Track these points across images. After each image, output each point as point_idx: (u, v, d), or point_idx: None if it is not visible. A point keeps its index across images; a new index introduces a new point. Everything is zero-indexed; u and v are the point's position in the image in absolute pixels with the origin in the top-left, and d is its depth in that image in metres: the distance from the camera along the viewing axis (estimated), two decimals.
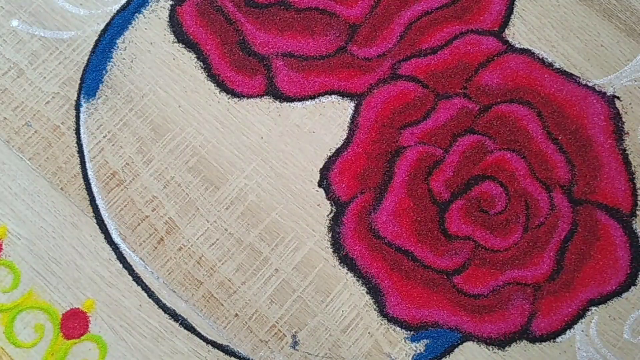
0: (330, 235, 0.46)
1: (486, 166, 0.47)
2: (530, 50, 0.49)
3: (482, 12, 0.50)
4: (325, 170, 0.47)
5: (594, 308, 0.45)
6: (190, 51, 0.49)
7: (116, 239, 0.46)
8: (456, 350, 0.45)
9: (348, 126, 0.48)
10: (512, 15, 0.50)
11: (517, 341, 0.45)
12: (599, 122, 0.48)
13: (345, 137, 0.48)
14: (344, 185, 0.47)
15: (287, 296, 0.45)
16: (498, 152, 0.47)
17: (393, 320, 0.45)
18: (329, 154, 0.47)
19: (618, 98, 0.48)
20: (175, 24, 0.49)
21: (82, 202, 0.46)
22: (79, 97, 0.48)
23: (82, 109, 0.47)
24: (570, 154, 0.47)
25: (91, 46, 0.49)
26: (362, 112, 0.48)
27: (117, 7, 0.49)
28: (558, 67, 0.49)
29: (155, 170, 0.47)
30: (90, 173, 0.47)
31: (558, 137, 0.47)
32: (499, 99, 0.48)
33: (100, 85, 0.48)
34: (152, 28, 0.49)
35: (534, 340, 0.45)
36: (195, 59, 0.49)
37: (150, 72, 0.48)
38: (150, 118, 0.48)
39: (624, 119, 0.48)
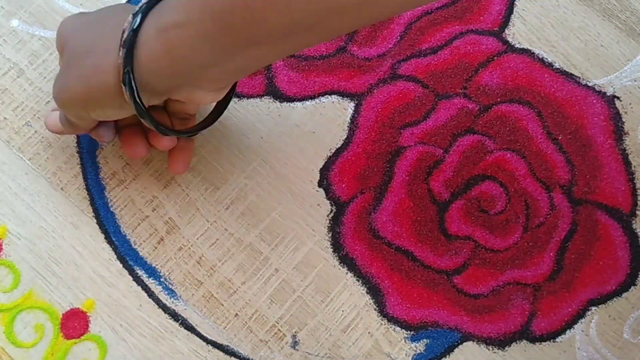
0: (330, 235, 0.46)
1: (486, 166, 0.47)
2: (530, 50, 0.49)
3: (482, 12, 0.50)
4: (325, 170, 0.47)
5: (594, 308, 0.45)
6: None
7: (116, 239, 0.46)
8: (456, 350, 0.45)
9: (348, 126, 0.48)
10: (512, 15, 0.50)
11: (517, 341, 0.45)
12: (599, 122, 0.48)
13: (345, 137, 0.48)
14: (344, 185, 0.47)
15: (287, 296, 0.45)
16: (498, 152, 0.47)
17: (393, 320, 0.45)
18: (329, 154, 0.47)
19: (618, 98, 0.48)
20: None
21: (82, 202, 0.46)
22: None
23: None
24: (570, 154, 0.47)
25: None
26: (362, 112, 0.48)
27: None
28: (558, 67, 0.49)
29: (156, 170, 0.47)
30: (90, 173, 0.47)
31: (558, 137, 0.47)
32: (499, 99, 0.48)
33: None
34: None
35: (534, 340, 0.45)
36: None
37: None
38: None
39: (623, 119, 0.48)
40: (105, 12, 0.40)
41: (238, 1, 0.33)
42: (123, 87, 0.36)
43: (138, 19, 0.35)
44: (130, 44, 0.35)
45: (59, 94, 0.39)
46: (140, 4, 0.36)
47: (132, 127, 0.43)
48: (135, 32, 0.35)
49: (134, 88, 0.36)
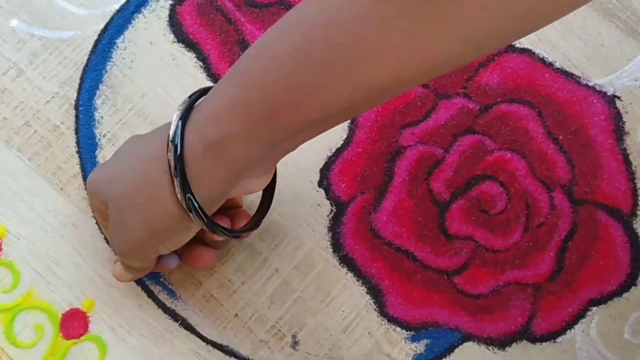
0: (330, 235, 0.46)
1: (486, 166, 0.47)
2: (530, 50, 0.49)
3: None
4: (325, 170, 0.47)
5: (594, 308, 0.45)
6: (190, 51, 0.49)
7: None
8: (456, 350, 0.45)
9: (348, 126, 0.48)
10: None
11: (518, 341, 0.45)
12: (600, 121, 0.48)
13: (345, 137, 0.47)
14: (344, 185, 0.47)
15: (287, 296, 0.45)
16: (498, 152, 0.47)
17: (393, 320, 0.45)
18: (329, 154, 0.47)
19: (618, 98, 0.48)
20: (175, 24, 0.49)
21: (82, 202, 0.46)
22: (78, 97, 0.48)
23: None
24: (571, 154, 0.47)
25: (91, 46, 0.48)
26: None
27: (116, 6, 0.49)
28: (558, 66, 0.49)
29: None
30: (89, 173, 0.47)
31: (558, 136, 0.47)
32: (499, 99, 0.48)
33: (100, 85, 0.48)
34: (152, 28, 0.49)
35: (534, 340, 0.45)
36: (195, 59, 0.49)
37: (150, 71, 0.48)
38: (150, 118, 0.48)
39: (624, 119, 0.48)
40: (131, 150, 0.38)
41: (282, 100, 0.33)
42: (190, 214, 0.36)
43: (178, 143, 0.34)
44: (182, 171, 0.34)
45: (123, 247, 0.38)
46: (172, 128, 0.35)
47: (190, 242, 0.40)
48: (181, 156, 0.34)
49: (200, 209, 0.36)
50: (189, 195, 0.35)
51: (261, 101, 0.33)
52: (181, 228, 0.37)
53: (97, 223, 0.46)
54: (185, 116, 0.35)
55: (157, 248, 0.38)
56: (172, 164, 0.34)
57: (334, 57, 0.31)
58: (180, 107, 0.35)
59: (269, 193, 0.42)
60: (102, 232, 0.46)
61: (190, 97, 0.36)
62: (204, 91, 0.37)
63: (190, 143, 0.34)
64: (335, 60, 0.31)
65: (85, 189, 0.45)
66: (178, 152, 0.34)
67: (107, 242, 0.45)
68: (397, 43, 0.30)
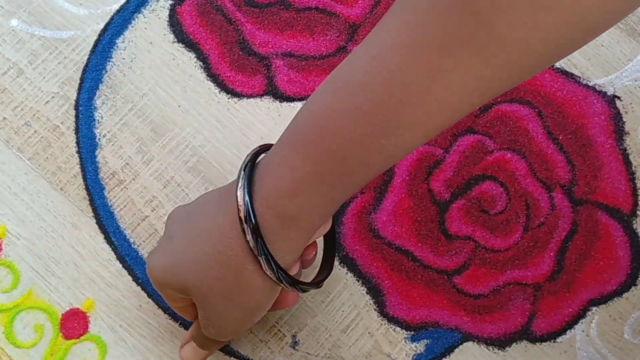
0: None
1: (486, 166, 0.47)
2: None
3: None
4: None
5: (594, 308, 0.45)
6: (190, 51, 0.49)
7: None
8: (456, 350, 0.45)
9: None
10: None
11: (517, 341, 0.45)
12: (600, 122, 0.48)
13: None
14: None
15: None
16: (498, 152, 0.47)
17: (393, 320, 0.45)
18: None
19: (618, 98, 0.48)
20: (175, 24, 0.49)
21: (82, 202, 0.46)
22: (78, 97, 0.48)
23: None
24: (571, 154, 0.47)
25: (91, 46, 0.48)
26: None
27: (116, 6, 0.49)
28: (558, 66, 0.49)
29: (155, 170, 0.47)
30: (90, 173, 0.47)
31: (558, 137, 0.47)
32: (499, 99, 0.48)
33: (100, 85, 0.48)
34: (152, 28, 0.49)
35: (534, 340, 0.45)
36: (195, 59, 0.49)
37: (150, 72, 0.48)
38: (150, 118, 0.48)
39: (624, 119, 0.48)
40: (194, 231, 0.37)
41: (353, 166, 0.33)
42: (281, 284, 0.36)
43: (254, 222, 0.34)
44: (264, 249, 0.34)
45: (222, 332, 0.38)
46: (242, 209, 0.34)
47: None
48: (260, 234, 0.34)
49: (290, 277, 0.36)
50: (278, 271, 0.35)
51: (333, 169, 0.33)
52: (272, 297, 0.38)
53: (97, 223, 0.46)
54: (249, 192, 0.35)
55: (252, 321, 0.39)
56: (253, 244, 0.34)
57: (403, 114, 0.31)
58: (242, 185, 0.35)
59: (330, 235, 0.42)
60: (101, 232, 0.46)
61: (244, 168, 0.35)
62: (254, 156, 0.37)
63: (266, 220, 0.34)
64: (405, 117, 0.31)
65: (86, 189, 0.45)
66: (256, 231, 0.34)
67: (107, 242, 0.45)
68: (461, 87, 0.30)
